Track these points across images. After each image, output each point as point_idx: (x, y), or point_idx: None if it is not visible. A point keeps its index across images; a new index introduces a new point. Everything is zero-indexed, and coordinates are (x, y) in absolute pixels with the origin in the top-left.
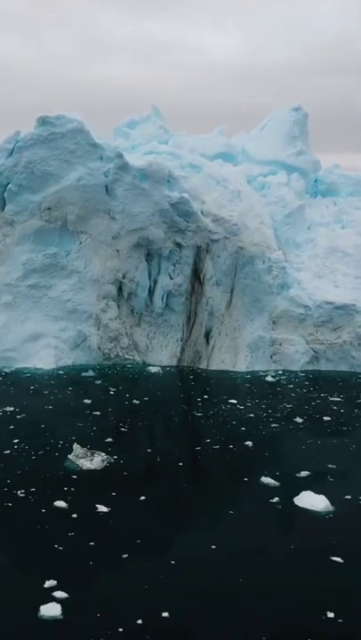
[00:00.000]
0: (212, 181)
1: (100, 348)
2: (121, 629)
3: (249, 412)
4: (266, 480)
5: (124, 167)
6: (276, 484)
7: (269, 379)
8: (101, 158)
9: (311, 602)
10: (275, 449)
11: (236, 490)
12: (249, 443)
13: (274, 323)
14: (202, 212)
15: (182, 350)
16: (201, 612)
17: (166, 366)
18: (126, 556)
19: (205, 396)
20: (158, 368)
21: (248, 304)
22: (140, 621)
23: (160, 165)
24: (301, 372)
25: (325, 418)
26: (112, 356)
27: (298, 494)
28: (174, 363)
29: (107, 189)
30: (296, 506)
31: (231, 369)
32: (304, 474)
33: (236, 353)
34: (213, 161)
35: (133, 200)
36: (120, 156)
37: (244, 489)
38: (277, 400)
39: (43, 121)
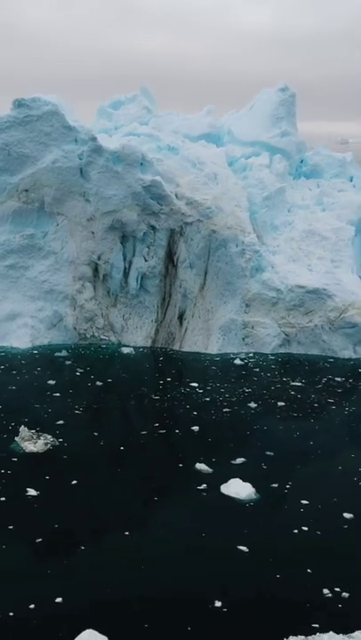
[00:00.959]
0: (188, 164)
1: (75, 329)
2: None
3: (206, 396)
4: (200, 466)
5: (98, 150)
6: (210, 470)
7: (238, 362)
8: (76, 141)
9: (201, 591)
10: (219, 435)
11: (167, 476)
12: (195, 427)
13: (247, 306)
14: (176, 195)
15: (157, 331)
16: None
17: (140, 347)
18: (40, 540)
19: (169, 379)
20: (131, 349)
21: (221, 287)
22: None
23: (133, 148)
24: (272, 355)
25: (280, 403)
26: (88, 336)
27: (227, 482)
28: (149, 344)
29: (81, 172)
30: (221, 494)
31: (203, 351)
32: (240, 461)
33: (208, 335)
34: (197, 142)
35: (107, 183)
36: (93, 139)
37: (176, 475)
38: (238, 384)
39: (18, 103)
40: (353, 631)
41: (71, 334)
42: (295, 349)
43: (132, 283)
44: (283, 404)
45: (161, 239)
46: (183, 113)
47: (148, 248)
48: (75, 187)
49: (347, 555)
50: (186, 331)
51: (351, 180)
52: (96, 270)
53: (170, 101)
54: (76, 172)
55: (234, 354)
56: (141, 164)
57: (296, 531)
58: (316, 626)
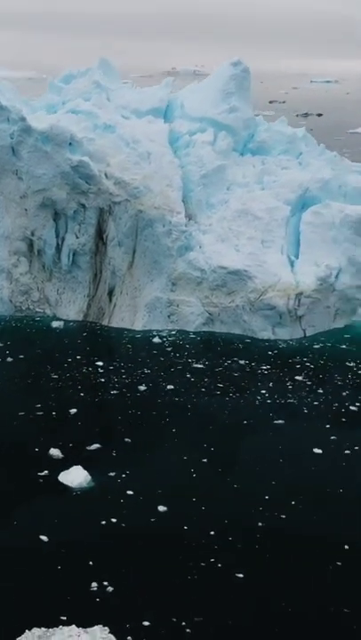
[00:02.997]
0: (121, 143)
1: (11, 301)
2: None
3: (103, 377)
4: (53, 451)
5: (27, 130)
6: (61, 456)
7: (156, 340)
8: (8, 120)
9: None
10: (90, 418)
11: (17, 460)
12: (73, 410)
13: (173, 284)
14: (105, 175)
15: (89, 306)
16: None
17: (72, 321)
18: None
19: (78, 357)
20: (60, 323)
21: (148, 265)
22: None
23: (61, 129)
24: (194, 333)
25: (169, 387)
26: (24, 308)
27: (69, 469)
28: (80, 318)
29: (13, 151)
30: (57, 481)
31: (129, 327)
32: (94, 447)
33: (135, 312)
34: (144, 117)
35: (37, 162)
36: (23, 119)
37: (25, 460)
38: (142, 364)
39: None
40: (92, 625)
41: (7, 306)
42: (218, 328)
43: (64, 259)
44: (172, 387)
45: (91, 217)
46: (141, 85)
47: (79, 226)
48: (7, 165)
49: (129, 551)
50: (114, 307)
51: (298, 157)
52: (31, 246)
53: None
54: (8, 151)
55: (157, 331)
56: (70, 143)
57: (104, 522)
58: (64, 618)
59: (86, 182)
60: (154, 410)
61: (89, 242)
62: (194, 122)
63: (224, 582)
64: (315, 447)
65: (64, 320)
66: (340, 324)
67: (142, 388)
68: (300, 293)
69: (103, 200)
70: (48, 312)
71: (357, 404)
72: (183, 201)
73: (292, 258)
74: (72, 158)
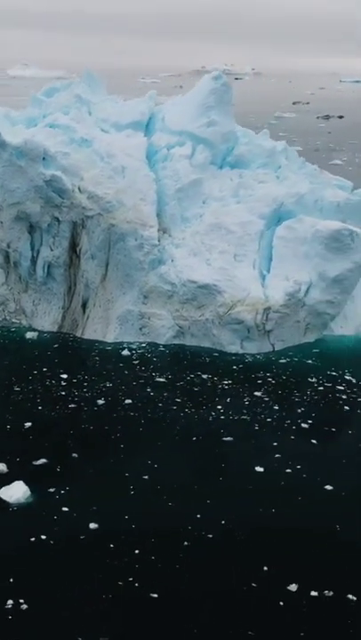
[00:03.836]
0: (96, 157)
1: None
2: None
3: (65, 390)
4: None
5: (2, 144)
6: (6, 470)
7: (125, 352)
8: None
9: None
10: (42, 432)
11: None
12: (28, 424)
13: (145, 297)
14: (79, 189)
15: (63, 317)
16: None
17: (47, 332)
18: None
19: (45, 369)
20: (34, 334)
21: (121, 278)
22: None
23: (35, 144)
24: (165, 346)
25: (127, 401)
26: (0, 319)
27: (10, 484)
28: (55, 329)
29: None
30: None
31: (102, 339)
32: (41, 462)
33: (107, 324)
34: (123, 131)
35: (11, 176)
36: None
37: None
38: (106, 377)
39: None
40: None
41: None
42: (188, 341)
43: (39, 271)
44: (130, 401)
45: (64, 230)
46: (124, 98)
47: (54, 238)
48: None
49: (52, 569)
50: (88, 319)
51: (277, 171)
52: (7, 257)
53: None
54: None
55: (128, 343)
56: (44, 158)
57: (33, 539)
58: None
59: (59, 196)
60: (107, 425)
61: (63, 254)
62: (173, 135)
63: (141, 601)
64: (257, 465)
65: (39, 331)
66: (310, 338)
67: (101, 402)
68: (269, 308)
69: (76, 214)
70: (24, 323)
71: (309, 422)
72: (158, 215)
73: (264, 272)
74: (45, 173)
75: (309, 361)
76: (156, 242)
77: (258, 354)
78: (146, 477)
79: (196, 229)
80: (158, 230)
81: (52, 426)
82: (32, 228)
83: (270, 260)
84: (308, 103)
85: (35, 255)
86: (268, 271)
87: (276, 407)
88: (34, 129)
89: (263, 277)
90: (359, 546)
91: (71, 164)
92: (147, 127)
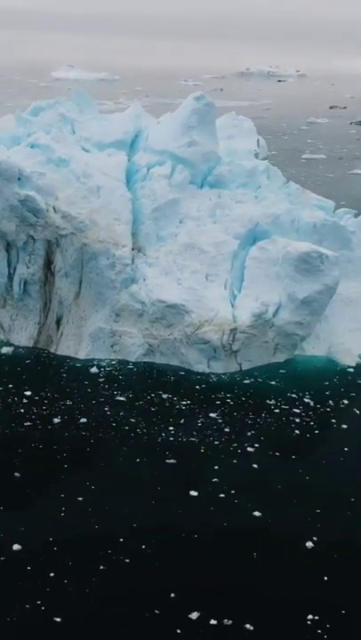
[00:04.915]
0: (72, 177)
1: None
2: None
3: (24, 407)
4: None
5: None
6: None
7: (93, 370)
8: None
9: None
10: None
11: None
12: None
13: (117, 315)
14: (54, 209)
15: (39, 333)
16: None
17: (22, 347)
18: None
19: (11, 385)
20: (10, 349)
21: (93, 296)
22: None
23: (10, 164)
24: (134, 363)
25: (82, 420)
26: None
27: None
28: (31, 344)
29: None
30: None
31: (73, 355)
32: None
33: (80, 341)
34: (105, 150)
35: None
36: None
37: None
38: (68, 395)
39: None
40: None
41: None
42: (158, 359)
43: (16, 287)
44: (84, 420)
45: (39, 249)
46: (110, 115)
47: (29, 256)
48: None
49: None
50: (61, 335)
51: (256, 191)
52: None
53: None
54: None
55: (99, 360)
56: (19, 178)
57: None
58: None
59: (34, 215)
60: (55, 444)
61: (38, 272)
62: (155, 155)
63: (45, 627)
64: (192, 490)
65: (15, 346)
66: (280, 358)
67: (56, 420)
68: (235, 329)
69: (50, 233)
70: (2, 337)
71: (256, 445)
72: (134, 234)
73: (236, 293)
74: (20, 192)
75: (273, 382)
76: (128, 261)
77: (224, 374)
78: (80, 499)
79: (170, 249)
80: (133, 249)
81: (1, 444)
82: (9, 246)
83: (243, 280)
84: (344, 108)
85: (12, 272)
86: (240, 291)
87: (227, 429)
88: (16, 148)
89: (234, 297)
90: (276, 573)
91: (47, 183)
92: (132, 146)
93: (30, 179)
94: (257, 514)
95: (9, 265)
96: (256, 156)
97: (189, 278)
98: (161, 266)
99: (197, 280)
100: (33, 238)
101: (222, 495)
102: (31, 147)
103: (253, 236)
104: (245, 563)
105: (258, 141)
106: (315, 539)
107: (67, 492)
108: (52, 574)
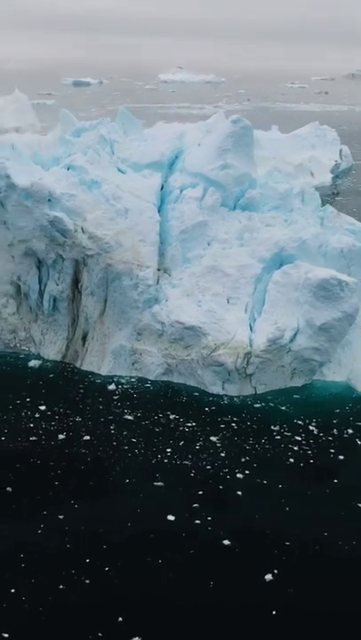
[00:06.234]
0: (102, 199)
1: (0, 338)
2: None
3: (34, 422)
4: None
5: (11, 186)
6: None
7: (111, 387)
8: None
9: None
10: None
11: None
12: None
13: (139, 334)
14: (82, 229)
15: (67, 348)
16: None
17: (50, 361)
18: None
19: (28, 399)
20: (37, 362)
21: (117, 315)
22: None
23: (40, 186)
24: (152, 382)
25: (85, 437)
26: (12, 345)
27: None
28: (59, 358)
29: (1, 204)
30: None
31: (96, 371)
32: None
33: (103, 357)
34: (142, 171)
35: (19, 215)
36: (7, 176)
37: None
38: (80, 411)
39: None
40: None
41: None
42: (176, 379)
43: (46, 304)
44: (87, 438)
45: (68, 267)
46: (156, 133)
47: (58, 274)
48: None
49: None
50: (87, 351)
51: (289, 214)
52: (19, 289)
53: None
54: None
55: (120, 377)
56: (49, 199)
57: None
58: None
59: (62, 235)
60: (52, 460)
61: (66, 289)
62: (189, 177)
63: None
64: (170, 514)
65: (43, 359)
66: (298, 383)
67: (61, 436)
68: (249, 353)
69: (78, 252)
70: (33, 350)
71: (246, 472)
72: (161, 255)
73: (256, 316)
74: (49, 213)
75: (283, 407)
76: (151, 282)
77: (237, 396)
78: (61, 517)
79: (194, 271)
80: (159, 270)
81: (3, 458)
82: (40, 263)
83: (264, 304)
84: None
85: (42, 288)
86: (260, 315)
87: (223, 454)
88: (53, 169)
89: (254, 321)
90: (225, 605)
91: (76, 205)
92: (171, 167)
93: (60, 200)
94: (226, 542)
95: (40, 282)
96: (338, 166)
97: (210, 301)
98: (184, 287)
99: (218, 303)
100: (62, 257)
101: (197, 521)
102: (68, 168)
103: (280, 260)
104: (196, 592)
105: (340, 151)
106: (275, 571)
107: (46, 508)
108: (23, 598)
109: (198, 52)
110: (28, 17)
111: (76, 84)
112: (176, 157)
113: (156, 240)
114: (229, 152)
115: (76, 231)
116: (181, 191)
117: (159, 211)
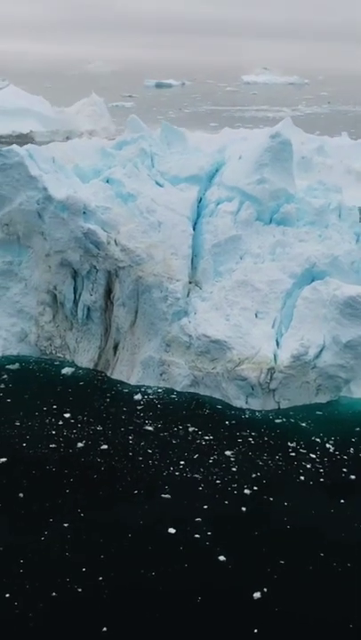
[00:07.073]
0: (136, 212)
1: (37, 345)
2: None
3: (57, 429)
4: None
5: (48, 199)
6: None
7: (137, 397)
8: (37, 188)
9: None
10: (6, 470)
11: None
12: (3, 459)
13: (167, 345)
14: (115, 242)
15: (99, 357)
16: None
17: (83, 368)
18: None
19: (55, 405)
20: (70, 370)
21: (147, 326)
22: None
23: (76, 199)
24: (178, 393)
25: (103, 447)
26: (47, 352)
27: None
28: (92, 366)
29: (39, 215)
30: None
31: (125, 380)
32: None
33: (132, 367)
34: (180, 184)
35: (55, 227)
36: (45, 189)
37: None
38: (103, 420)
39: None
40: None
41: (34, 349)
42: (202, 391)
43: (80, 313)
44: (105, 447)
45: (101, 278)
46: (197, 149)
47: (92, 284)
48: (35, 226)
49: None
50: (117, 360)
51: (325, 229)
52: (55, 298)
53: None
54: (35, 215)
55: (147, 387)
56: (84, 212)
57: None
58: None
59: (96, 247)
60: (67, 468)
61: (99, 300)
62: (226, 191)
63: None
64: (172, 527)
65: (76, 367)
66: (323, 399)
67: (80, 444)
68: (273, 368)
69: (110, 264)
70: (68, 357)
71: (254, 488)
72: (194, 268)
73: (284, 332)
74: (84, 226)
75: (303, 424)
76: (180, 295)
77: (259, 411)
78: (65, 525)
79: (224, 284)
80: (190, 283)
81: (21, 464)
82: (75, 274)
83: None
84: None
85: (77, 298)
86: (287, 331)
87: (235, 469)
88: (92, 182)
89: (281, 336)
90: (215, 621)
91: (111, 218)
92: (210, 180)
93: (95, 213)
94: (221, 558)
95: (75, 291)
96: None
97: (238, 315)
98: (213, 301)
99: (246, 317)
100: (95, 268)
101: (197, 536)
102: (106, 181)
103: (311, 276)
104: (181, 606)
105: None
106: (264, 590)
107: (52, 516)
108: (6, 595)
109: (284, 52)
110: (113, 18)
111: (159, 85)
112: (216, 171)
113: (187, 253)
114: (267, 166)
115: (108, 243)
116: (217, 205)
117: (195, 224)
